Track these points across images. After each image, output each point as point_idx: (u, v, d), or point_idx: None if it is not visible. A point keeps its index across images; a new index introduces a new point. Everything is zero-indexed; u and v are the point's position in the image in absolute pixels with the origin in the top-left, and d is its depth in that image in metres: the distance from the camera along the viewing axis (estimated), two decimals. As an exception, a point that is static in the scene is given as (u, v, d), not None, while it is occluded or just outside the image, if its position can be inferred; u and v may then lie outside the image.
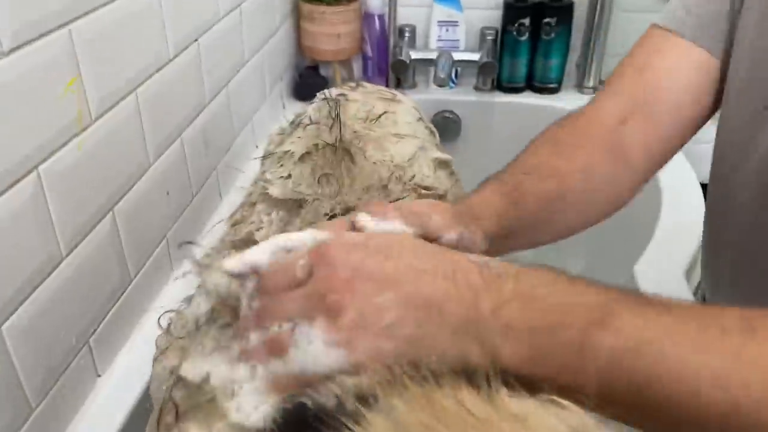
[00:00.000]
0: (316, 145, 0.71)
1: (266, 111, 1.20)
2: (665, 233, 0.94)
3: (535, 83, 1.41)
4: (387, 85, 1.39)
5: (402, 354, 0.33)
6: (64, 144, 0.60)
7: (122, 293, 0.72)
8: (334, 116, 0.74)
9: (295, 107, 1.35)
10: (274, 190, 0.67)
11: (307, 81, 1.38)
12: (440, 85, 1.23)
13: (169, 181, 0.82)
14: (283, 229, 0.62)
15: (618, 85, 0.62)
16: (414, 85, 1.45)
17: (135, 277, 0.75)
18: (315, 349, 0.34)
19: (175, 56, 0.81)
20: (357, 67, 1.45)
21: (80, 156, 0.62)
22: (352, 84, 0.90)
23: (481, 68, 1.27)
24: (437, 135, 0.88)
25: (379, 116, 0.81)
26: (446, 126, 1.41)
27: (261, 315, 0.36)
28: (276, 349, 0.35)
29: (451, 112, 1.41)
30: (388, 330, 0.33)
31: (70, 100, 0.60)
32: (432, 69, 1.29)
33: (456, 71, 1.43)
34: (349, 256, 0.36)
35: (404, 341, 0.33)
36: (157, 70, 0.77)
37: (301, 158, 0.72)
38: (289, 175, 0.70)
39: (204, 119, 0.91)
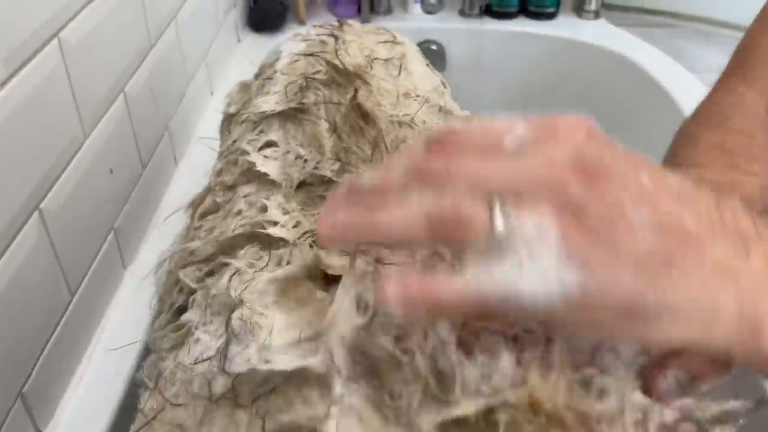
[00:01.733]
0: (303, 103, 0.52)
1: (219, 46, 0.98)
2: None
3: (529, 7, 1.22)
4: (359, 12, 1.18)
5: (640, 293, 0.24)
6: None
7: (62, 317, 0.53)
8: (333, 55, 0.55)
9: (251, 40, 1.13)
10: (270, 169, 0.48)
11: (264, 7, 1.15)
12: (430, 12, 1.03)
13: (111, 155, 0.61)
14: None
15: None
16: (389, 11, 1.24)
17: (76, 293, 0.55)
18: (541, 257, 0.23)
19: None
20: (320, -11, 1.23)
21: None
22: (334, 23, 0.70)
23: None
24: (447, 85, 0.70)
25: (388, 60, 0.62)
26: (430, 58, 1.21)
27: (440, 175, 0.24)
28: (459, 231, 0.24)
29: (434, 42, 1.21)
30: (637, 257, 0.24)
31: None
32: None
33: (437, -7, 1.23)
34: (596, 147, 0.25)
35: (649, 277, 0.24)
36: (85, 5, 0.55)
37: (288, 119, 0.53)
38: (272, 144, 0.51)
39: (150, 64, 0.70)
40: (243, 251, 0.39)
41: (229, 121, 0.61)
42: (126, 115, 0.64)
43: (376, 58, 0.60)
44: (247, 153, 0.51)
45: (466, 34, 1.22)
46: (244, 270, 0.34)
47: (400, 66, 0.60)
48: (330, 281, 0.34)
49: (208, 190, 0.54)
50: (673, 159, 0.50)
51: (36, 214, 0.48)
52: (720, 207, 0.26)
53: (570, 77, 1.19)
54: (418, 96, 0.57)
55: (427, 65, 0.67)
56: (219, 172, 0.54)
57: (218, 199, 0.50)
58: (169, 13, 0.75)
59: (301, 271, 0.32)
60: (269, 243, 0.40)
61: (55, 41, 0.50)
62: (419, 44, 1.21)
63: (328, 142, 0.50)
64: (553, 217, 0.23)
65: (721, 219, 0.26)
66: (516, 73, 1.22)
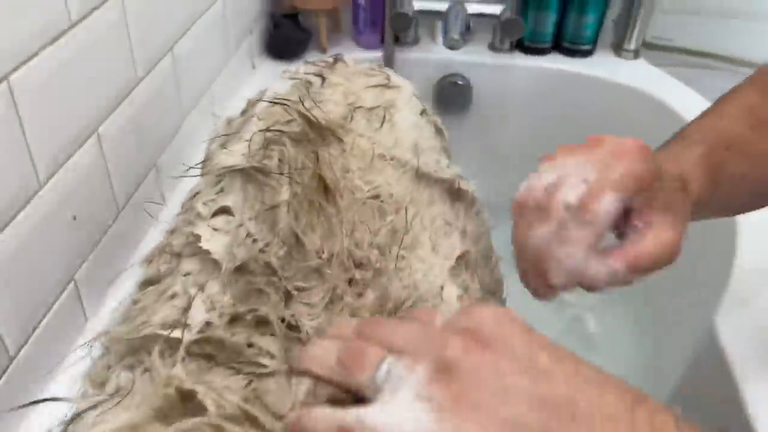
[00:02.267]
0: (265, 164, 0.47)
1: (229, 76, 0.95)
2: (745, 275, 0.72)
3: (563, 44, 1.15)
4: (382, 41, 1.13)
5: None
6: None
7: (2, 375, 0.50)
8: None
9: (268, 67, 1.10)
10: (214, 247, 0.43)
11: (285, 33, 1.11)
12: (451, 48, 0.97)
13: (74, 200, 0.58)
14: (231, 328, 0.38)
15: None
16: (416, 41, 1.19)
17: (22, 349, 0.52)
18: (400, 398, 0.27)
19: (81, 19, 0.56)
20: (346, 18, 1.19)
21: None
22: (328, 59, 0.65)
23: (504, 25, 1.01)
24: (446, 135, 0.64)
25: (371, 109, 0.56)
26: (454, 94, 1.16)
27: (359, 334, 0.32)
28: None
29: (461, 76, 1.16)
30: (502, 422, 0.26)
31: None
32: (440, 23, 1.03)
33: (467, 25, 1.17)
34: (497, 325, 0.29)
35: None
36: (43, 47, 0.51)
37: (250, 180, 0.48)
38: (227, 211, 0.46)
39: (136, 100, 0.66)
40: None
41: (205, 166, 0.57)
42: (99, 156, 0.61)
43: (359, 107, 0.55)
44: (200, 218, 0.46)
45: (495, 69, 1.15)
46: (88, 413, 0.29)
47: (384, 117, 0.55)
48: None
49: (162, 248, 0.50)
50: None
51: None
52: (635, 404, 0.27)
53: (603, 119, 1.11)
54: (392, 158, 0.51)
55: (422, 112, 0.61)
56: (172, 231, 0.49)
57: (162, 268, 0.46)
58: (162, 45, 0.72)
59: (146, 417, 0.27)
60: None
61: (3, 85, 0.47)
62: (444, 78, 1.16)
63: (284, 218, 0.44)
64: (424, 369, 0.27)
65: (630, 413, 0.26)
66: (545, 112, 1.15)
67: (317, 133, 0.51)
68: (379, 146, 0.52)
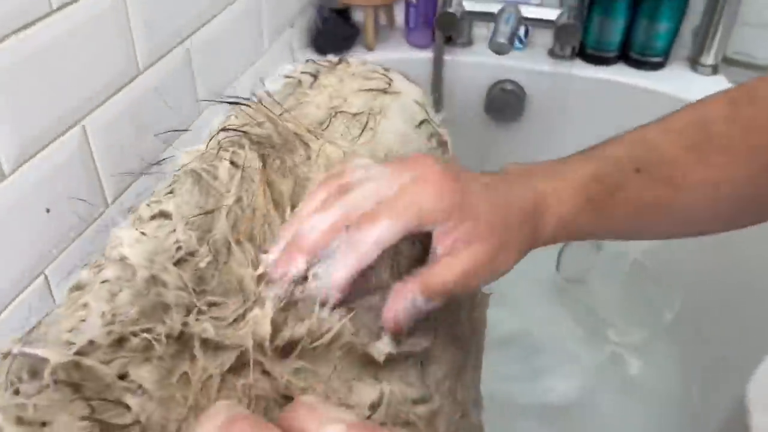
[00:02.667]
0: (214, 165, 0.43)
1: (262, 69, 0.91)
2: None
3: (632, 54, 1.05)
4: (433, 40, 1.07)
5: None
6: None
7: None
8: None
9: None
10: (134, 253, 0.39)
11: (330, 29, 1.07)
12: (497, 52, 0.90)
13: (48, 193, 0.56)
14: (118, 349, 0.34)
15: None
16: (469, 43, 1.12)
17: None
18: None
19: (63, 6, 0.53)
20: (399, 14, 1.13)
21: None
22: (333, 59, 0.60)
23: (559, 31, 0.93)
24: (449, 147, 0.57)
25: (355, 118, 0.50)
26: (505, 102, 1.08)
27: None
28: None
29: (514, 83, 1.08)
30: None
31: None
32: (492, 25, 0.96)
33: (526, 30, 1.09)
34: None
35: None
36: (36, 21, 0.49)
37: (199, 182, 0.44)
38: (165, 215, 0.42)
39: (134, 93, 0.64)
40: None
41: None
42: (83, 150, 0.58)
43: (341, 112, 0.50)
44: (139, 220, 0.43)
45: (552, 78, 1.07)
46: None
47: (366, 124, 0.49)
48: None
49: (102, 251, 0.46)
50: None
51: None
52: None
53: (669, 140, 1.00)
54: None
55: (422, 123, 0.55)
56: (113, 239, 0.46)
57: (92, 270, 0.42)
58: (173, 35, 0.69)
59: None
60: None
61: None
62: (495, 84, 1.08)
63: (220, 225, 0.40)
64: None
65: None
66: (605, 129, 1.04)
67: (282, 138, 0.46)
68: (352, 155, 0.46)
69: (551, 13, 0.94)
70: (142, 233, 0.41)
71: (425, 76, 1.09)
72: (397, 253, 0.42)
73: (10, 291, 0.54)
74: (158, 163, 0.52)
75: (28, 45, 0.51)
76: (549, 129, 1.10)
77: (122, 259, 0.39)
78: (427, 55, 1.09)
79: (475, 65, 1.09)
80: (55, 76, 0.54)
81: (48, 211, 0.56)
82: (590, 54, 1.06)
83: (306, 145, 0.46)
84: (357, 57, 0.62)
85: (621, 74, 1.05)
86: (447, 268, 0.38)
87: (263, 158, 0.44)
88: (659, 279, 1.00)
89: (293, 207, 0.42)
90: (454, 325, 0.45)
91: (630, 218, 0.44)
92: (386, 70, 0.57)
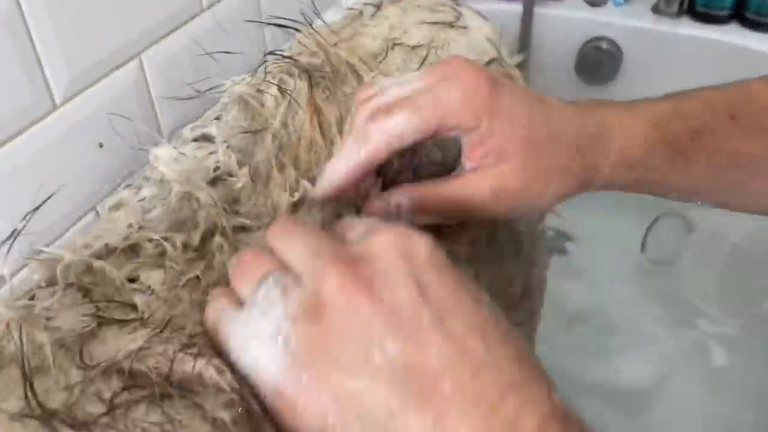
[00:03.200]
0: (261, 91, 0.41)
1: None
2: None
3: (747, 14, 0.94)
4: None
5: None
6: None
7: None
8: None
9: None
10: (170, 170, 0.38)
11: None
12: (592, 3, 0.82)
13: (100, 128, 0.55)
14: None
15: None
16: (565, -4, 1.04)
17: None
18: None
19: None
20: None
21: None
22: None
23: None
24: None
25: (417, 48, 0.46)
26: (599, 62, 1.00)
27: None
28: None
29: (610, 41, 0.99)
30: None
31: None
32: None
33: (629, -19, 1.00)
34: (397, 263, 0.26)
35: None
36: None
37: (246, 107, 0.42)
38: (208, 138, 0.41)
39: (195, 31, 0.62)
40: None
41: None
42: (140, 83, 0.57)
43: (398, 44, 0.46)
44: (183, 142, 0.42)
45: (654, 37, 0.97)
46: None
47: (425, 57, 0.45)
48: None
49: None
50: None
51: None
52: (508, 390, 0.24)
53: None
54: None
55: (491, 62, 0.50)
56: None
57: (132, 190, 0.42)
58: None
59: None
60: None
61: None
62: (588, 42, 1.00)
63: (263, 148, 0.38)
64: (296, 300, 0.26)
65: (498, 400, 0.23)
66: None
67: (333, 68, 0.43)
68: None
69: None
70: (181, 153, 0.39)
71: (513, 31, 1.02)
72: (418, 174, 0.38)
73: (60, 226, 0.54)
74: (210, 89, 0.49)
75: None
76: (647, 93, 1.01)
77: (161, 179, 0.38)
78: (518, 8, 1.02)
79: (567, 21, 1.01)
80: (114, 6, 0.53)
81: (101, 146, 0.55)
82: (700, 12, 0.96)
83: (358, 76, 0.43)
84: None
85: (734, 35, 0.94)
86: (456, 188, 0.34)
87: (312, 87, 0.42)
88: (762, 266, 0.91)
89: (340, 136, 0.40)
90: (496, 279, 0.41)
91: (715, 171, 0.38)
92: (457, 3, 0.53)
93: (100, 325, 0.29)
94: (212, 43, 0.64)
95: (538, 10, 1.00)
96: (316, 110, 0.41)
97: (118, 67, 0.53)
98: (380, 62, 0.45)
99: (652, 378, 0.84)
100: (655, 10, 0.99)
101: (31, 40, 0.44)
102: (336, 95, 0.42)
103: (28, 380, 0.25)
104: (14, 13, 0.41)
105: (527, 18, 1.00)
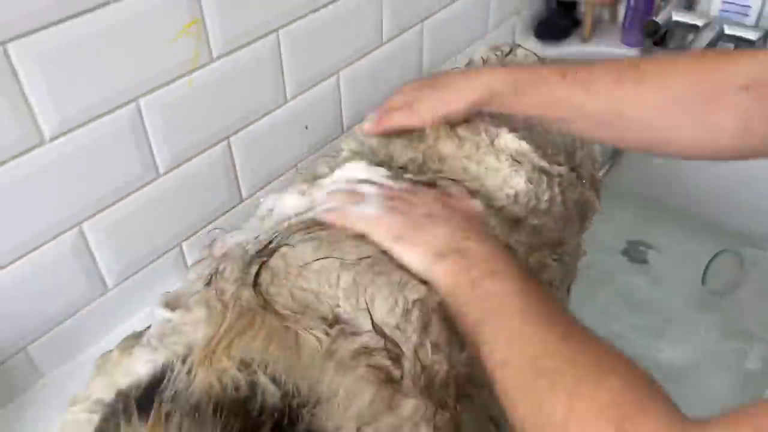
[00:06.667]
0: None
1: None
2: None
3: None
4: (642, 45, 1.19)
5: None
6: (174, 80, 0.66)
7: (231, 209, 0.80)
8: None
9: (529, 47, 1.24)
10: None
11: (555, 20, 1.24)
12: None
13: (310, 114, 0.84)
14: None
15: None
16: (682, 47, 1.21)
17: (246, 198, 0.82)
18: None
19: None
20: (622, 12, 1.25)
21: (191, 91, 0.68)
22: (506, 47, 0.80)
23: (753, 53, 1.00)
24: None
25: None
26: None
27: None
28: None
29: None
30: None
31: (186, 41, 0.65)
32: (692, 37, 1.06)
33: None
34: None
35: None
36: (311, 11, 0.77)
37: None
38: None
39: (376, 58, 0.90)
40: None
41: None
42: (336, 91, 0.86)
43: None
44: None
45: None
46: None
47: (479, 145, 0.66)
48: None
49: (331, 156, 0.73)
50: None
51: (224, 142, 0.75)
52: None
53: None
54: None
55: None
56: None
57: (327, 166, 0.68)
58: (412, 18, 0.94)
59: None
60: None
61: (273, 36, 0.74)
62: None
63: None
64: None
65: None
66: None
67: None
68: None
69: (753, 33, 1.01)
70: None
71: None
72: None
73: (269, 179, 0.84)
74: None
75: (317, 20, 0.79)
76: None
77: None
78: (636, 54, 1.21)
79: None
80: (329, 42, 0.82)
81: (306, 128, 0.85)
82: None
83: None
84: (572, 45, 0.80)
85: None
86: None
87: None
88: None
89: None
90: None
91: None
92: (543, 60, 0.76)
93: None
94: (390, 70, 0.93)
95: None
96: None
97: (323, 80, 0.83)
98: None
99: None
100: None
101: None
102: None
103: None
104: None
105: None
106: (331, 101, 0.87)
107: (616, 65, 0.58)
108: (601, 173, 0.80)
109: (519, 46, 0.81)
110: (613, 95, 0.57)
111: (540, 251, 0.58)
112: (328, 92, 0.86)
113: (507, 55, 0.78)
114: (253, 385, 0.37)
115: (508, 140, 0.61)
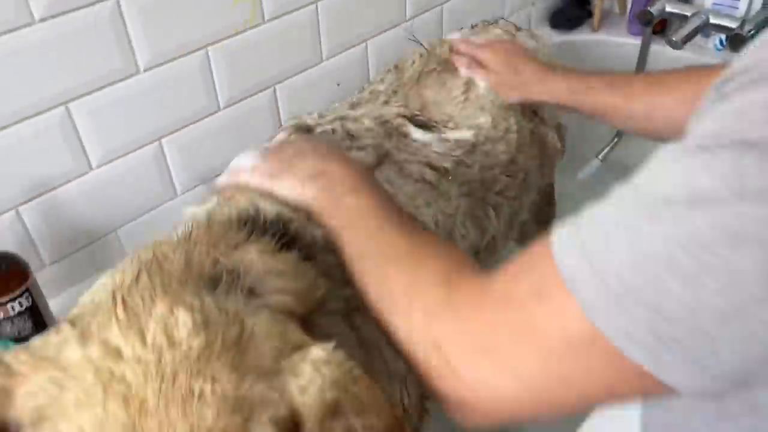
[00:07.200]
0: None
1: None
2: None
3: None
4: (642, 34, 1.33)
5: None
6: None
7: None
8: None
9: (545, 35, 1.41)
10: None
11: (568, 10, 1.40)
12: (670, 46, 1.16)
13: (341, 75, 1.04)
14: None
15: None
16: (685, 42, 1.34)
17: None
18: None
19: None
20: (629, 4, 1.40)
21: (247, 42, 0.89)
22: (487, 20, 0.97)
23: (731, 40, 1.14)
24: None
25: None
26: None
27: None
28: None
29: (705, 77, 1.29)
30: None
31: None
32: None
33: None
34: None
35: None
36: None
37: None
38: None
39: (396, 34, 1.09)
40: None
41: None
42: (364, 56, 1.05)
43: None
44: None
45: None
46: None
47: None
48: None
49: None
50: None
51: (270, 89, 0.95)
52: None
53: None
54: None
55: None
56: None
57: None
58: (431, 2, 1.12)
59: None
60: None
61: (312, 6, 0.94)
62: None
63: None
64: None
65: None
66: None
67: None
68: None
69: (731, 22, 1.15)
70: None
71: (632, 60, 1.36)
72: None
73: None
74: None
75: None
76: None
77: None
78: (637, 42, 1.35)
79: (675, 59, 1.32)
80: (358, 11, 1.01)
81: (338, 84, 1.05)
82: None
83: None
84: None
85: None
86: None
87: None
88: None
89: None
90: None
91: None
92: (518, 29, 0.93)
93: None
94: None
95: (657, 48, 1.32)
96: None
97: (353, 46, 1.03)
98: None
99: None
100: (747, 58, 1.27)
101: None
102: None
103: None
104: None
105: (643, 51, 1.33)
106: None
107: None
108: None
109: (502, 18, 0.98)
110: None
111: (492, 169, 0.75)
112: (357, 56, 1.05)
113: (489, 26, 0.95)
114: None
115: (481, 88, 0.79)
